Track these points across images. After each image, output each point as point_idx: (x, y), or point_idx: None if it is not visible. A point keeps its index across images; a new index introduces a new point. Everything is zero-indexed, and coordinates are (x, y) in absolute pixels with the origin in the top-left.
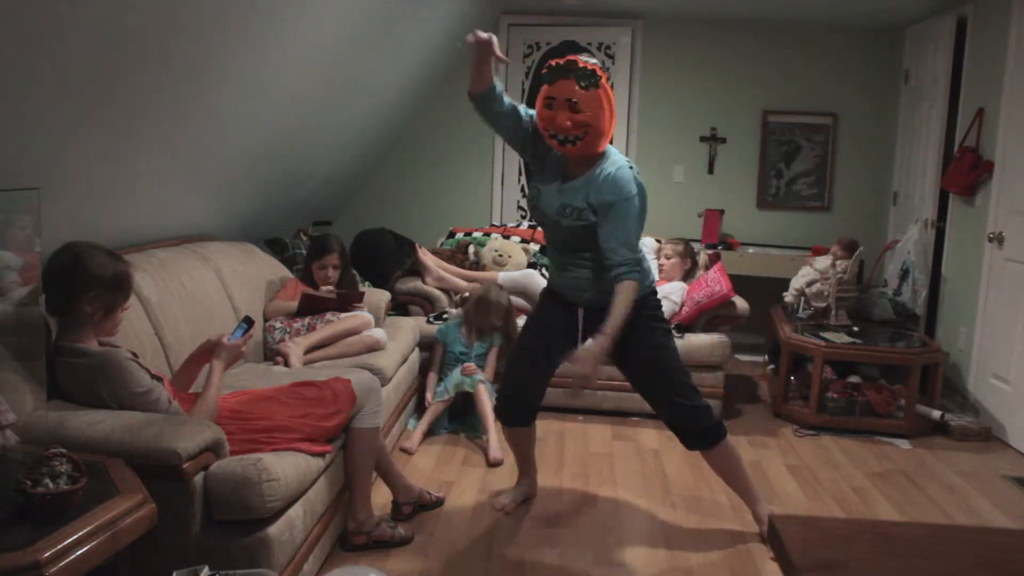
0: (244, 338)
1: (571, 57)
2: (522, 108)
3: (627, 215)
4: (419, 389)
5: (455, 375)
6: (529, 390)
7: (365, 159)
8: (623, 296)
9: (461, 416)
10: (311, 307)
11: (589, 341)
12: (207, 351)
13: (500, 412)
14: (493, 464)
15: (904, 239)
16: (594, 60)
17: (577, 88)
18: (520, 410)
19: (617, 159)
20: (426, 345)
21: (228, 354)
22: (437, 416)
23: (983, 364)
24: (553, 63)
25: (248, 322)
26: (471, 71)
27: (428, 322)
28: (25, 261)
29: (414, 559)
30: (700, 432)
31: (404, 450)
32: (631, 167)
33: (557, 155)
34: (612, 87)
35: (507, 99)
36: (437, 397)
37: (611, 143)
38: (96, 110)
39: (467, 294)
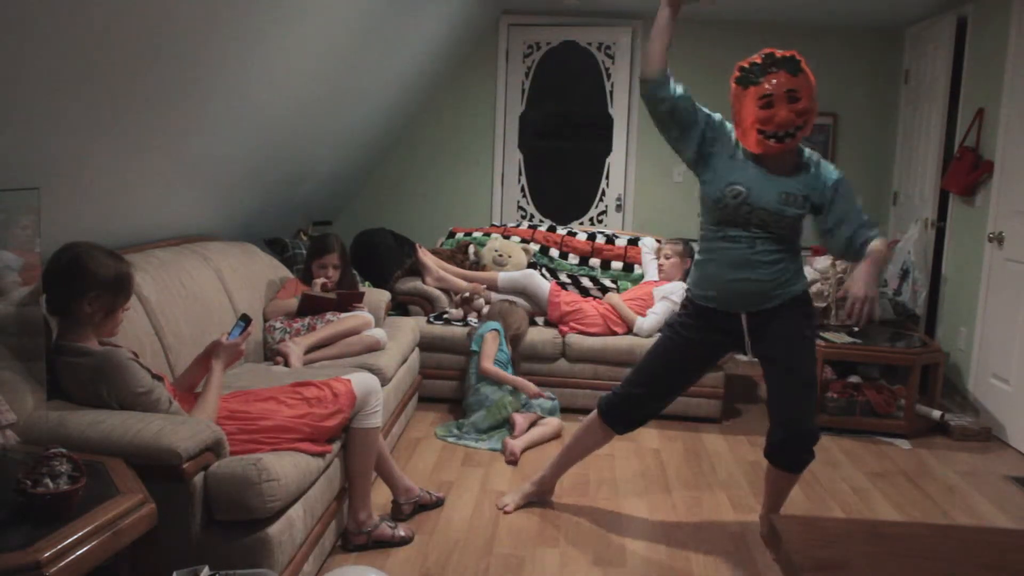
0: (242, 336)
1: (765, 51)
2: (694, 105)
3: (853, 193)
4: (417, 388)
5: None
6: (647, 409)
7: (365, 159)
8: (877, 253)
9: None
10: (311, 307)
11: (858, 276)
12: (210, 353)
13: (610, 412)
14: (511, 461)
15: (904, 239)
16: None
17: (792, 77)
18: (627, 419)
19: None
20: (428, 346)
21: (227, 353)
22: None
23: (983, 364)
24: (747, 64)
25: (245, 320)
26: (653, 46)
27: (428, 322)
28: (25, 261)
29: (414, 559)
30: (808, 451)
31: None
32: None
33: (735, 155)
34: (613, 88)
35: (679, 84)
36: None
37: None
38: (96, 110)
39: (467, 294)
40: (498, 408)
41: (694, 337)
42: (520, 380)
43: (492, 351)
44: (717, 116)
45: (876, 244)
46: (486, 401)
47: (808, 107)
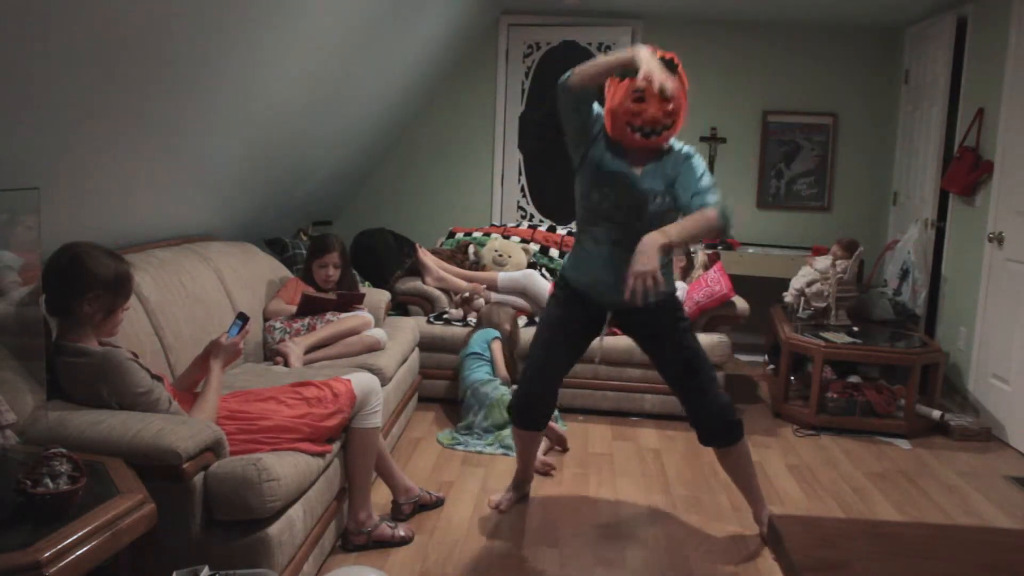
0: (240, 335)
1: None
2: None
3: (700, 166)
4: (417, 388)
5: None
6: (551, 394)
7: (365, 159)
8: (698, 217)
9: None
10: (311, 307)
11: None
12: (209, 353)
13: (521, 416)
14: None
15: (904, 239)
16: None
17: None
18: (542, 415)
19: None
20: (428, 346)
21: (225, 353)
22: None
23: (983, 364)
24: None
25: (243, 318)
26: (597, 72)
27: (428, 322)
28: (25, 261)
29: (414, 559)
30: (726, 427)
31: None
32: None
33: (606, 150)
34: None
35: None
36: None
37: None
38: (96, 111)
39: (467, 294)
40: (498, 406)
41: (563, 315)
42: None
43: (501, 358)
44: (599, 115)
45: (699, 217)
46: (486, 400)
47: (677, 109)
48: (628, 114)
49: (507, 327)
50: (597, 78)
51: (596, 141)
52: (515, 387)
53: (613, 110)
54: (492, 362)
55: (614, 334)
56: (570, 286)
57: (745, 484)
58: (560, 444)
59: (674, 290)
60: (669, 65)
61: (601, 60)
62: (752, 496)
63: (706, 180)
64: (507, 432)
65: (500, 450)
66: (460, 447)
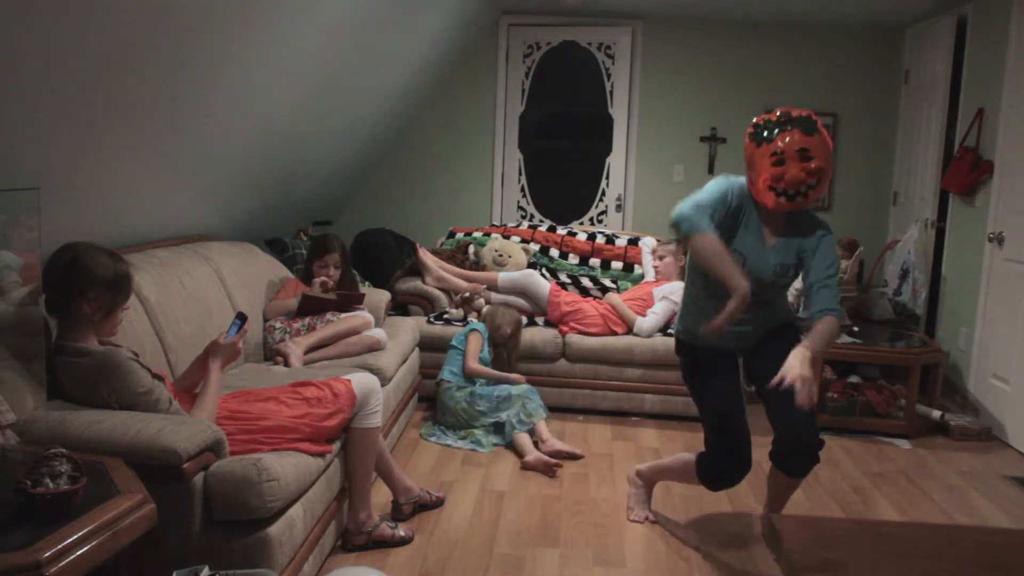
0: (239, 335)
1: (781, 109)
2: (724, 201)
3: (832, 250)
4: (417, 388)
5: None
6: (749, 441)
7: (365, 159)
8: (824, 328)
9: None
10: (311, 307)
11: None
12: (208, 353)
13: (724, 478)
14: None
15: (904, 239)
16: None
17: (806, 136)
18: (740, 478)
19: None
20: (428, 346)
21: (224, 353)
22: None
23: (983, 364)
24: (761, 120)
25: (241, 318)
26: (709, 270)
27: (428, 322)
28: (25, 261)
29: (414, 559)
30: (812, 456)
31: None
32: None
33: (738, 222)
34: (613, 88)
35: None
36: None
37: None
38: (96, 111)
39: (467, 294)
40: (454, 413)
41: (705, 365)
42: (505, 375)
43: (476, 350)
44: (727, 201)
45: (820, 325)
46: (447, 405)
47: (821, 167)
48: (770, 180)
49: (507, 330)
50: (708, 272)
51: (728, 214)
52: (703, 453)
53: (756, 183)
54: (464, 353)
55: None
56: (693, 345)
57: (782, 500)
58: (551, 466)
59: (793, 316)
60: (807, 123)
61: (719, 267)
62: (776, 507)
63: (833, 271)
64: (478, 431)
65: (469, 445)
66: (433, 439)
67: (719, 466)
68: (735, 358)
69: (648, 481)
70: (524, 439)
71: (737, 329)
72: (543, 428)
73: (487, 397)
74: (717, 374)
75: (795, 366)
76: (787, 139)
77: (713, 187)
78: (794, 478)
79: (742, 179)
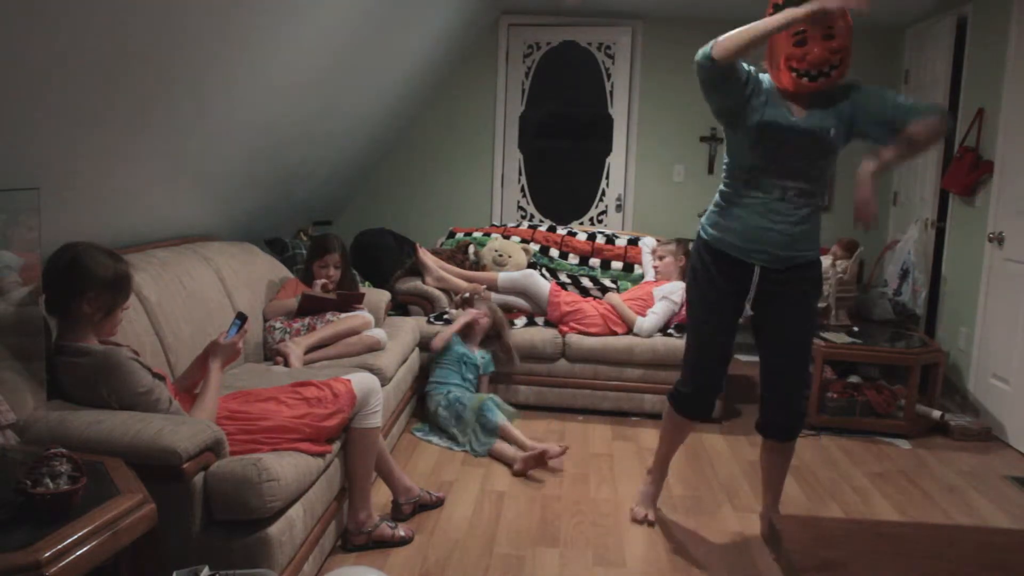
0: (239, 335)
1: None
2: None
3: (876, 89)
4: (417, 390)
5: (464, 394)
6: (722, 377)
7: (365, 159)
8: (918, 128)
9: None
10: (311, 307)
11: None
12: (208, 353)
13: (686, 405)
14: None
15: (904, 239)
16: None
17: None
18: (710, 402)
19: None
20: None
21: (224, 353)
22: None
23: (983, 364)
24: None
25: (241, 318)
26: (752, 40)
27: (428, 322)
28: (25, 261)
29: (414, 559)
30: (798, 418)
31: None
32: None
33: (767, 100)
34: (613, 88)
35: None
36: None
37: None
38: (96, 111)
39: (467, 295)
40: (437, 416)
41: (717, 284)
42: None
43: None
44: (751, 71)
45: (924, 125)
46: (464, 419)
47: (843, 46)
48: (792, 59)
49: (484, 322)
50: (751, 47)
51: (754, 95)
52: (680, 378)
53: (775, 59)
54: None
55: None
56: (713, 250)
57: (777, 481)
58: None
59: (818, 255)
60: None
61: (755, 26)
62: (774, 495)
63: (896, 97)
64: (457, 435)
65: (459, 448)
66: (420, 434)
67: (685, 394)
68: (742, 297)
69: (655, 475)
70: (503, 448)
71: (765, 225)
72: (517, 435)
73: (450, 406)
74: (716, 312)
75: (858, 188)
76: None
77: None
78: (783, 442)
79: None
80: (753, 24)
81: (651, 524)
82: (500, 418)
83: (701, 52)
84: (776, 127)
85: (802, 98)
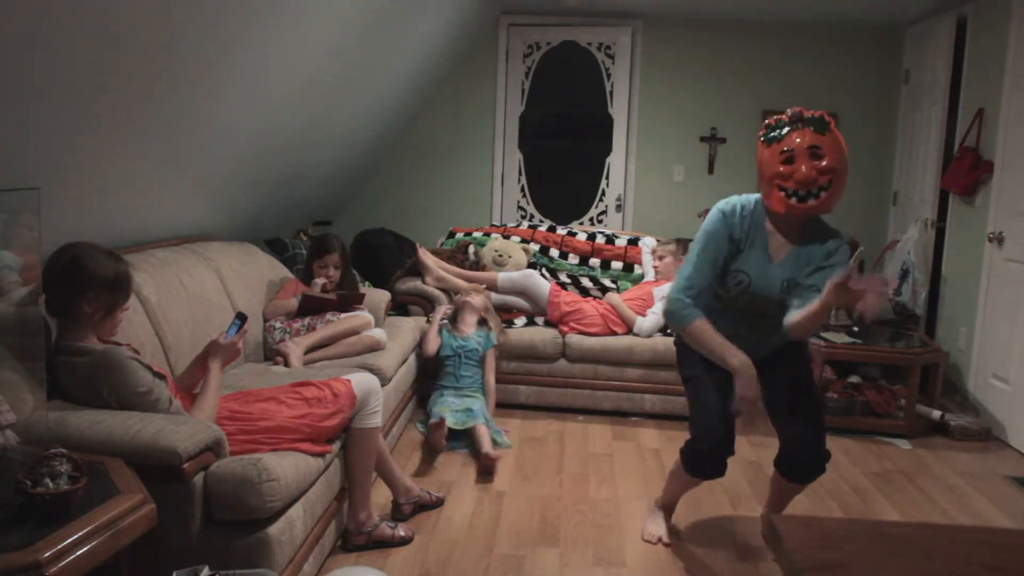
0: (239, 335)
1: (794, 109)
2: (718, 250)
3: (846, 259)
4: (418, 390)
5: (448, 400)
6: (731, 431)
7: (365, 159)
8: (817, 304)
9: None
10: (311, 307)
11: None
12: (208, 353)
13: (702, 465)
14: (489, 464)
15: (904, 239)
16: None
17: (818, 135)
18: (724, 462)
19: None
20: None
21: (224, 353)
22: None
23: (983, 364)
24: (773, 121)
25: (241, 318)
26: (708, 352)
27: (428, 322)
28: (25, 261)
29: (414, 559)
30: (818, 464)
31: (435, 443)
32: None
33: (744, 241)
34: (613, 88)
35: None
36: (432, 417)
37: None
38: (96, 110)
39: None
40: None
41: (706, 362)
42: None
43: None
44: (730, 234)
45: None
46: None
47: (833, 167)
48: (778, 178)
49: (465, 298)
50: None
51: (732, 237)
52: (688, 443)
53: (764, 178)
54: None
55: None
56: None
57: (785, 504)
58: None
59: (802, 343)
60: (819, 123)
61: (713, 345)
62: (776, 508)
63: (827, 279)
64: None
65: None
66: (421, 426)
67: (696, 458)
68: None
69: (663, 507)
70: (481, 436)
71: (736, 333)
72: (482, 441)
73: (453, 394)
74: (712, 372)
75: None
76: (797, 138)
77: (703, 241)
78: (799, 484)
79: (751, 196)
80: (713, 343)
81: (667, 544)
82: (479, 426)
83: (666, 309)
84: (748, 271)
85: (792, 229)
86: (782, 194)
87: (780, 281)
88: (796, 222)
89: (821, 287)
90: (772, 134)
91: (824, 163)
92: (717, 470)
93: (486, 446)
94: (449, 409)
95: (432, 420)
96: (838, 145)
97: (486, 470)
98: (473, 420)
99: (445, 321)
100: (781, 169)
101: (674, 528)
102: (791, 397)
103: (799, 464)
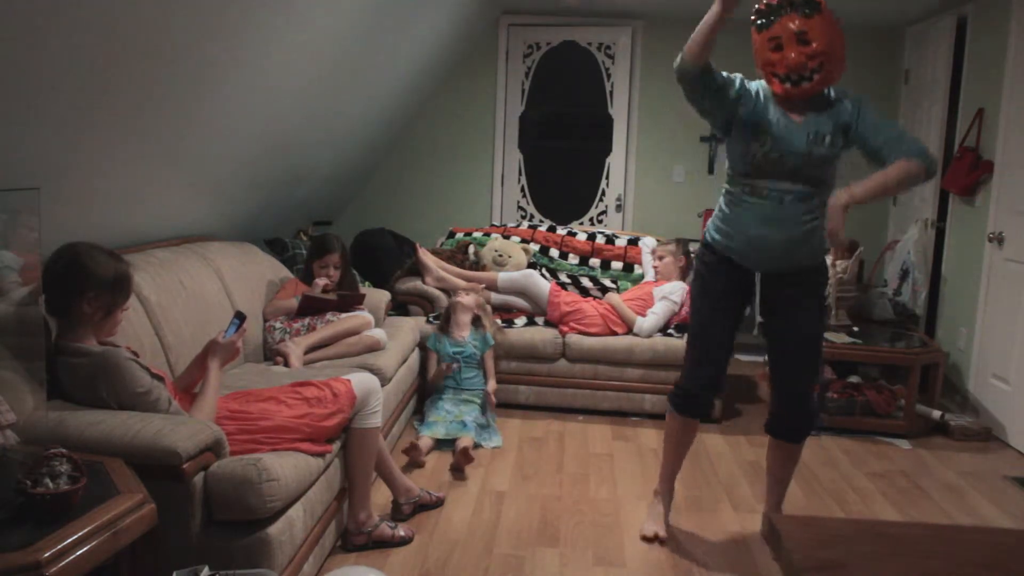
0: (238, 334)
1: None
2: (724, 74)
3: (875, 113)
4: (418, 390)
5: (445, 409)
6: (722, 375)
7: (365, 159)
8: (895, 171)
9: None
10: (311, 307)
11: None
12: (207, 353)
13: (687, 403)
14: (460, 461)
15: (904, 239)
16: None
17: (804, 19)
18: (710, 400)
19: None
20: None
21: (223, 352)
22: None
23: (983, 364)
24: (762, 5)
25: (240, 317)
26: (702, 37)
27: (428, 322)
28: (25, 261)
29: (414, 559)
30: (809, 419)
31: (413, 460)
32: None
33: (758, 106)
34: (613, 88)
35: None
36: (425, 429)
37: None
38: (96, 111)
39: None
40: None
41: (719, 284)
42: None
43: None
44: (738, 79)
45: (896, 170)
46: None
47: (822, 49)
48: (771, 65)
49: (459, 296)
50: (704, 43)
51: (742, 100)
52: (680, 376)
53: (758, 64)
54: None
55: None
56: (716, 252)
57: (782, 483)
58: (461, 463)
59: (824, 256)
60: (807, 4)
61: (700, 25)
62: (778, 498)
63: (892, 125)
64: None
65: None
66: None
67: (687, 390)
68: (745, 297)
69: (663, 494)
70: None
71: (763, 233)
72: (463, 448)
73: (451, 400)
74: (719, 309)
75: (828, 217)
76: (784, 24)
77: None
78: (791, 443)
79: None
80: (700, 25)
81: (662, 542)
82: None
83: (676, 65)
84: (768, 124)
85: (797, 104)
86: (776, 80)
87: (805, 134)
88: (800, 103)
89: (879, 137)
90: (761, 21)
91: (813, 47)
92: (704, 408)
93: (464, 443)
94: (443, 420)
95: (413, 439)
96: (826, 25)
97: (456, 466)
98: (463, 433)
99: (437, 322)
100: (770, 56)
101: (674, 528)
102: (798, 356)
103: (790, 417)
